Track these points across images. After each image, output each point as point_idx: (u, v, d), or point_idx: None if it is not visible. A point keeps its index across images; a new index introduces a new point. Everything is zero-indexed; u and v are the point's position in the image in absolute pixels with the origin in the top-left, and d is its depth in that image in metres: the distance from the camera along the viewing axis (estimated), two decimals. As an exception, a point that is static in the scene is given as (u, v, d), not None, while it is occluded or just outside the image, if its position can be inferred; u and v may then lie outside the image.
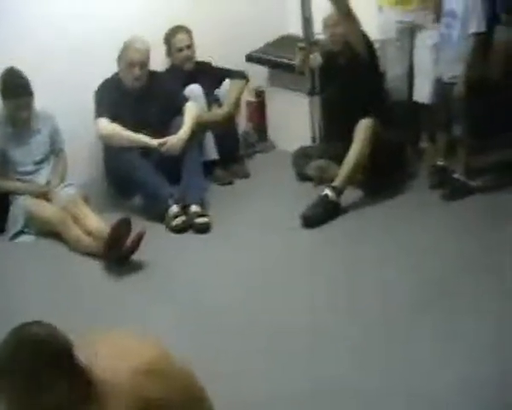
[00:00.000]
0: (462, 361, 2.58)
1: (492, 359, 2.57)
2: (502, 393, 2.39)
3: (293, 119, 4.45)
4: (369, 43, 3.99)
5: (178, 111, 4.10)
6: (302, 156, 4.27)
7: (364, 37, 3.96)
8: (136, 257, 3.46)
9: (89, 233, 3.59)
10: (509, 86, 4.16)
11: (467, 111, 3.87)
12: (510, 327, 2.77)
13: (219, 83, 4.48)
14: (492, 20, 4.02)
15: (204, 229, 3.76)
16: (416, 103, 4.20)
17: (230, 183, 4.35)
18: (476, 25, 3.71)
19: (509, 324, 2.79)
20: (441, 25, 3.86)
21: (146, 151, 3.97)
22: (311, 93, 3.99)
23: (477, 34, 3.73)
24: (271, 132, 4.89)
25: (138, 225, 3.55)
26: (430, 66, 4.00)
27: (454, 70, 3.83)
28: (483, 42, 3.82)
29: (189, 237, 3.75)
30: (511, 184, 4.01)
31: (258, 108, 4.90)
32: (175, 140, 3.96)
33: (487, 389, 2.41)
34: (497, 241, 3.47)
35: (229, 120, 4.46)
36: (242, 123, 4.85)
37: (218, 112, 4.41)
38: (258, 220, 3.86)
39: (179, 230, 3.76)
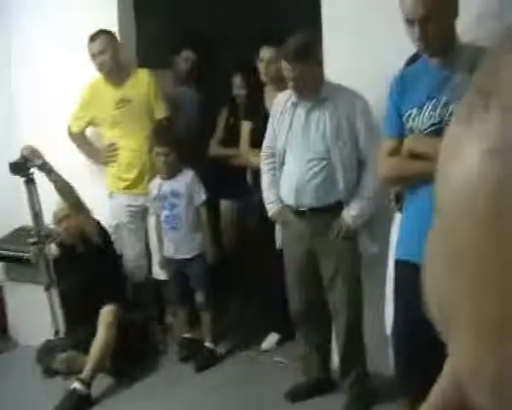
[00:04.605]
0: None
1: None
2: None
3: (35, 312, 4.29)
4: (102, 230, 4.07)
5: None
6: (47, 350, 4.10)
7: (97, 224, 4.05)
8: None
9: None
10: (238, 249, 4.52)
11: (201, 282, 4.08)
12: None
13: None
14: (217, 193, 4.38)
15: None
16: (156, 280, 4.32)
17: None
18: (197, 198, 4.00)
19: None
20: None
21: None
22: (48, 285, 3.92)
23: (202, 204, 4.00)
24: (12, 329, 4.66)
25: None
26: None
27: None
28: (211, 211, 4.13)
29: None
30: (255, 345, 4.25)
31: (-3, 305, 4.69)
32: None
33: None
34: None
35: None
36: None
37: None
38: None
39: None
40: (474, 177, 0.28)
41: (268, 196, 3.49)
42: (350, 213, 3.24)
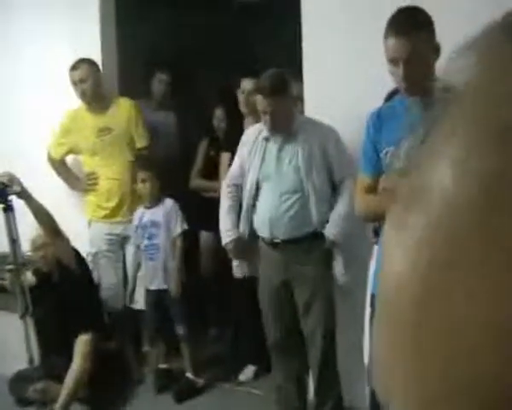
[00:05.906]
0: None
1: None
2: None
3: (8, 340, 4.25)
4: (80, 258, 4.04)
5: None
6: (21, 380, 4.03)
7: (75, 252, 4.02)
8: None
9: None
10: (217, 281, 4.50)
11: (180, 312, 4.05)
12: None
13: None
14: (197, 224, 4.38)
15: None
16: (133, 310, 4.29)
17: None
18: (174, 228, 3.99)
19: None
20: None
21: None
22: (24, 313, 3.87)
23: (179, 235, 3.99)
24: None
25: None
26: (142, 274, 4.15)
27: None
28: (191, 241, 4.13)
29: None
30: (232, 376, 4.22)
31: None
32: None
33: None
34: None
35: None
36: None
37: None
38: None
39: None
40: (400, 285, 0.28)
41: (224, 223, 3.46)
42: (331, 231, 3.24)
